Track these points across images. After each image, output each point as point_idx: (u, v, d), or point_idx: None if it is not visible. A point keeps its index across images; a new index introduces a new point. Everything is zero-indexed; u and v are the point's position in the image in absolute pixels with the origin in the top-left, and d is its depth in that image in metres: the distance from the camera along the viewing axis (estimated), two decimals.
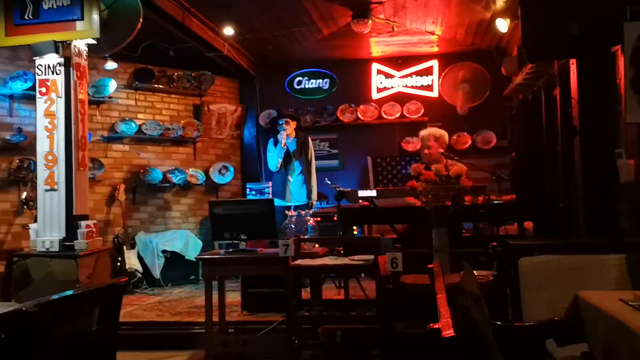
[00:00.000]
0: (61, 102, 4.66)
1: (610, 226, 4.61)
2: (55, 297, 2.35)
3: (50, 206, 4.67)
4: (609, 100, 4.51)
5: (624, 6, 3.76)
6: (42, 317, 2.21)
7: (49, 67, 4.65)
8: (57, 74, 4.65)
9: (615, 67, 4.43)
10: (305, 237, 5.28)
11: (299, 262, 4.71)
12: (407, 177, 8.63)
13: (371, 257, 4.55)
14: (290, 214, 5.60)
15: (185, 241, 8.00)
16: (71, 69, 4.65)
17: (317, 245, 5.36)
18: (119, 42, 4.84)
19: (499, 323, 2.84)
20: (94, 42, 4.74)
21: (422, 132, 6.19)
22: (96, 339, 2.63)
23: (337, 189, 6.60)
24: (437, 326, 1.61)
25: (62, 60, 4.65)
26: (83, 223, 4.61)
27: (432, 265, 2.97)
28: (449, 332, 1.47)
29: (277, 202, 6.55)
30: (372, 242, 4.77)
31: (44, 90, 4.69)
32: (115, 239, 7.33)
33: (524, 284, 3.58)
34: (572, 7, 3.87)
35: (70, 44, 4.65)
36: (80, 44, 4.74)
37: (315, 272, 4.90)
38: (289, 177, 7.45)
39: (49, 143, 4.67)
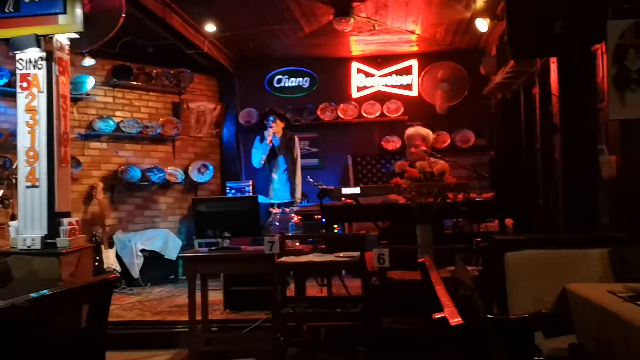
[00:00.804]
0: (43, 97, 4.57)
1: (591, 221, 4.68)
2: (47, 292, 2.31)
3: (32, 203, 4.58)
4: (589, 98, 4.58)
5: (607, 5, 3.81)
6: (34, 313, 2.18)
7: (30, 61, 4.57)
8: (38, 68, 4.56)
9: (595, 66, 4.50)
10: (290, 234, 5.28)
11: (284, 259, 4.71)
12: (387, 176, 8.70)
13: (357, 253, 4.57)
14: (274, 211, 5.59)
15: (164, 240, 7.94)
16: (53, 63, 4.57)
17: (298, 243, 5.36)
18: (101, 37, 4.78)
19: (490, 316, 2.86)
20: (77, 36, 4.67)
21: (409, 131, 6.21)
22: (86, 336, 2.59)
23: (320, 187, 6.61)
24: (441, 315, 1.62)
25: (43, 54, 4.56)
26: (65, 220, 4.54)
27: (422, 260, 2.98)
28: (457, 320, 1.48)
29: (260, 199, 6.52)
30: (356, 239, 4.78)
31: (24, 85, 4.60)
32: (93, 238, 7.23)
33: (510, 278, 3.61)
34: (556, 6, 3.92)
35: (52, 38, 4.56)
36: (62, 38, 4.65)
37: (301, 269, 4.90)
38: (273, 174, 7.43)
39: (30, 139, 4.58)
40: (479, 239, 4.45)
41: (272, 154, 7.40)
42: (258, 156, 7.36)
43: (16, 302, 2.09)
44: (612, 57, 3.60)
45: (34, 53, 4.58)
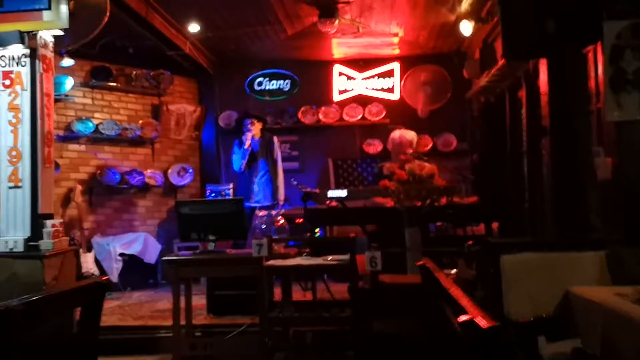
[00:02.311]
0: (26, 95, 4.42)
1: (580, 224, 4.67)
2: (40, 295, 2.22)
3: (14, 204, 4.41)
4: (580, 101, 4.58)
5: (600, 6, 3.81)
6: (27, 316, 2.09)
7: (13, 58, 4.41)
8: (22, 65, 4.41)
9: (586, 68, 4.50)
10: (276, 237, 5.19)
11: (272, 262, 4.62)
12: (368, 179, 8.67)
13: (346, 257, 4.50)
14: (260, 214, 5.51)
15: (144, 244, 7.79)
16: (37, 60, 4.41)
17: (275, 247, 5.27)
18: (85, 35, 4.65)
19: None
20: (61, 33, 4.53)
21: (395, 138, 6.14)
22: (79, 340, 2.50)
23: (304, 190, 6.55)
24: (467, 318, 1.56)
25: (27, 51, 4.40)
26: (49, 222, 4.39)
27: (422, 262, 2.92)
28: (489, 323, 1.42)
29: None
30: (347, 242, 4.71)
31: (7, 82, 4.44)
32: (71, 242, 7.04)
33: (506, 282, 3.57)
34: (550, 6, 3.91)
35: (36, 34, 4.41)
36: (47, 35, 4.50)
37: (289, 273, 4.82)
38: (253, 178, 7.35)
39: (12, 138, 4.42)
40: (470, 242, 4.42)
41: (252, 158, 7.32)
42: (238, 161, 7.29)
43: (9, 305, 2.00)
44: (609, 58, 3.60)
45: (17, 50, 4.43)
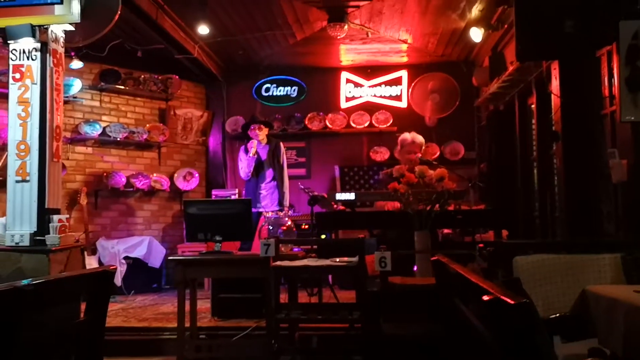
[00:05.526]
0: (36, 89, 4.39)
1: (593, 229, 4.62)
2: (50, 278, 2.17)
3: (21, 198, 4.37)
4: (593, 104, 4.54)
5: (618, 6, 3.78)
6: (37, 298, 2.05)
7: (24, 52, 4.38)
8: (32, 59, 4.38)
9: (599, 71, 4.47)
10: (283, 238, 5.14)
11: (279, 263, 4.56)
12: (375, 187, 8.60)
13: (355, 258, 4.44)
14: (267, 215, 5.46)
15: (148, 248, 7.75)
16: (48, 55, 4.38)
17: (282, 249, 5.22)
18: (96, 32, 4.62)
19: None
20: (72, 28, 4.51)
21: (407, 139, 6.05)
22: (85, 328, 2.45)
23: (311, 194, 6.49)
24: (493, 297, 1.50)
25: (38, 45, 4.37)
26: (55, 217, 4.34)
27: (435, 258, 2.85)
28: (518, 299, 1.36)
29: None
30: (355, 243, 4.65)
31: (17, 76, 4.41)
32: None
33: None
34: (567, 6, 3.87)
35: (47, 28, 4.39)
36: (58, 30, 4.48)
37: (297, 273, 4.75)
38: (260, 184, 7.29)
39: (21, 132, 4.38)
40: (481, 245, 4.36)
41: (259, 166, 7.27)
42: (244, 169, 7.24)
43: (19, 285, 1.96)
44: (625, 58, 3.56)
45: (28, 43, 4.40)
